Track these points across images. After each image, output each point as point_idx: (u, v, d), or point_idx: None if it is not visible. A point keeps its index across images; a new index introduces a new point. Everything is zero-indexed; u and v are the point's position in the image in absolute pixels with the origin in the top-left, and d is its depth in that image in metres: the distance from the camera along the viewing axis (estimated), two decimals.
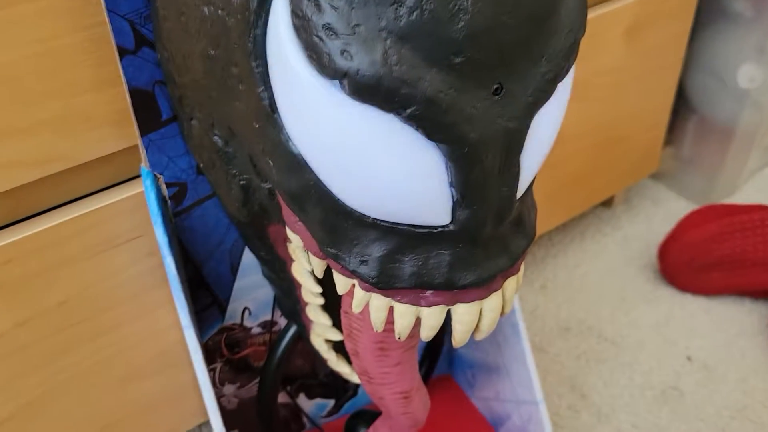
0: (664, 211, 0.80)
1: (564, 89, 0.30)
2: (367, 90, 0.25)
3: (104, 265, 0.42)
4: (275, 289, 0.45)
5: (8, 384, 0.41)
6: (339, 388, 0.57)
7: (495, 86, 0.27)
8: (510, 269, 0.33)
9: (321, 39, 0.25)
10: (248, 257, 0.45)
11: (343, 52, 0.25)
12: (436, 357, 0.58)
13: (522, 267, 0.35)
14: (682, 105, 0.78)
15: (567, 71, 0.29)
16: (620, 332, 0.66)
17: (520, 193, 0.31)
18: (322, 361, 0.54)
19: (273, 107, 0.28)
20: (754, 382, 0.61)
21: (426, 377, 0.59)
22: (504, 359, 0.52)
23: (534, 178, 0.34)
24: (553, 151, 0.63)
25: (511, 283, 0.34)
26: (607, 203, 0.81)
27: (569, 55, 0.29)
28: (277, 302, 0.48)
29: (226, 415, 0.52)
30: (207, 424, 0.60)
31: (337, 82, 0.25)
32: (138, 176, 0.41)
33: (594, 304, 0.69)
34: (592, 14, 0.58)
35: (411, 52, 0.25)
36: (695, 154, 0.80)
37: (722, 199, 0.81)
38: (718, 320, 0.67)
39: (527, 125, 0.29)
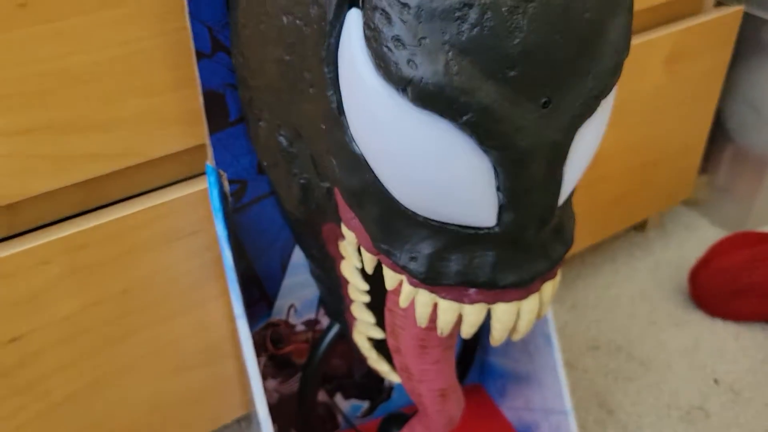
0: (697, 238, 0.81)
1: (606, 106, 0.33)
2: (429, 97, 0.28)
3: (166, 257, 0.45)
4: (321, 287, 0.48)
5: (73, 363, 0.44)
6: (374, 390, 0.59)
7: (544, 100, 0.29)
8: (548, 273, 0.35)
9: (390, 49, 0.27)
10: (297, 256, 0.47)
11: (409, 62, 0.27)
12: (469, 364, 0.60)
13: (559, 273, 0.37)
14: (718, 134, 0.79)
15: (610, 89, 0.31)
16: (648, 353, 0.68)
17: (561, 201, 0.33)
18: (360, 362, 0.56)
19: (340, 110, 0.30)
20: None
21: None
22: (535, 368, 0.54)
23: (574, 189, 0.36)
24: (589, 171, 0.65)
25: (548, 287, 0.36)
26: (641, 228, 0.83)
27: (614, 74, 0.31)
28: (322, 301, 0.50)
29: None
30: (246, 417, 0.63)
31: (401, 89, 0.28)
32: (202, 174, 0.45)
33: (623, 325, 0.71)
34: (634, 41, 0.60)
35: (470, 65, 0.27)
36: (730, 183, 0.81)
37: (755, 228, 0.82)
38: (746, 346, 0.68)
39: (571, 138, 0.31)
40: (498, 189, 0.31)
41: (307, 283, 0.49)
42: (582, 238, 0.71)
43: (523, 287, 0.34)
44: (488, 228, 0.32)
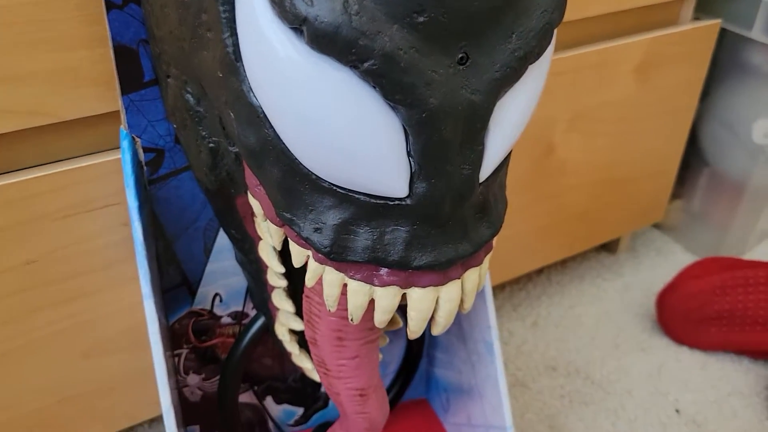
0: (669, 264, 0.78)
1: (537, 75, 0.30)
2: (325, 38, 0.25)
3: (77, 229, 0.42)
4: (246, 275, 0.45)
5: None
6: (308, 396, 0.55)
7: (460, 55, 0.27)
8: (471, 258, 0.32)
9: None
10: (223, 241, 0.44)
11: None
12: (411, 376, 0.56)
13: (486, 261, 0.34)
14: (693, 157, 0.77)
15: (539, 53, 0.29)
16: (609, 377, 0.64)
17: (484, 176, 0.30)
18: (292, 364, 0.53)
19: (237, 55, 0.28)
20: None
21: (398, 397, 0.57)
22: (477, 380, 0.50)
23: (503, 168, 0.33)
24: (554, 181, 0.62)
25: (471, 275, 0.33)
26: (612, 250, 0.80)
27: (543, 36, 0.28)
28: (249, 292, 0.47)
29: (188, 407, 0.51)
30: None
31: (297, 29, 0.25)
32: (119, 147, 0.42)
33: (585, 347, 0.67)
34: (601, 46, 0.58)
35: (373, 4, 0.25)
36: (705, 209, 0.78)
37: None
38: (712, 376, 0.65)
39: (492, 102, 0.28)
40: (409, 153, 0.28)
41: (234, 271, 0.46)
42: (548, 253, 0.68)
43: (439, 270, 0.31)
44: (400, 199, 0.29)
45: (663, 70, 0.63)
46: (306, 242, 0.31)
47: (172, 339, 0.47)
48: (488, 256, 0.34)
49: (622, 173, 0.68)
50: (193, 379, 0.50)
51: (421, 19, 0.25)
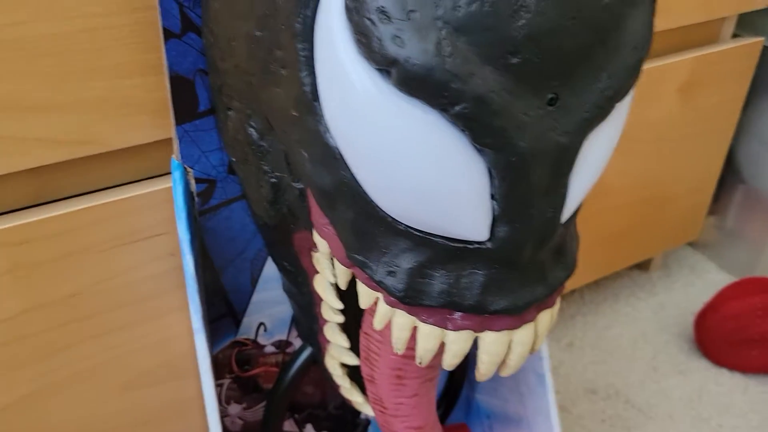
0: (703, 282, 0.77)
1: (621, 111, 0.29)
2: (416, 81, 0.23)
3: (122, 260, 0.41)
4: (294, 305, 0.43)
5: (7, 373, 0.40)
6: (348, 423, 0.54)
7: (550, 96, 0.25)
8: (546, 300, 0.31)
9: (373, 22, 0.23)
10: (270, 270, 0.43)
11: (394, 38, 0.23)
12: (453, 401, 0.55)
13: (558, 302, 0.33)
14: (729, 174, 0.75)
15: (627, 91, 0.27)
16: (649, 401, 0.63)
17: (565, 217, 0.29)
18: (334, 391, 0.51)
19: (314, 95, 0.26)
20: None
21: (441, 422, 0.56)
22: (526, 411, 0.49)
23: (579, 207, 0.32)
24: (592, 201, 0.61)
25: (544, 317, 0.32)
26: (644, 267, 0.78)
27: (632, 74, 0.27)
28: (295, 321, 0.46)
29: None
30: None
31: (384, 70, 0.24)
32: (169, 173, 0.40)
33: (623, 369, 0.66)
34: (647, 65, 0.57)
35: (466, 46, 0.23)
36: (739, 227, 0.77)
37: (766, 275, 0.77)
38: (755, 400, 0.63)
39: (580, 143, 0.27)
40: (493, 197, 0.27)
41: (280, 300, 0.45)
42: (582, 273, 0.67)
43: (515, 314, 0.30)
44: (479, 243, 0.28)
45: (706, 89, 0.62)
46: (378, 286, 0.30)
47: (215, 369, 0.46)
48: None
49: (660, 192, 0.66)
50: (234, 408, 0.49)
51: (514, 60, 0.24)
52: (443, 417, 0.55)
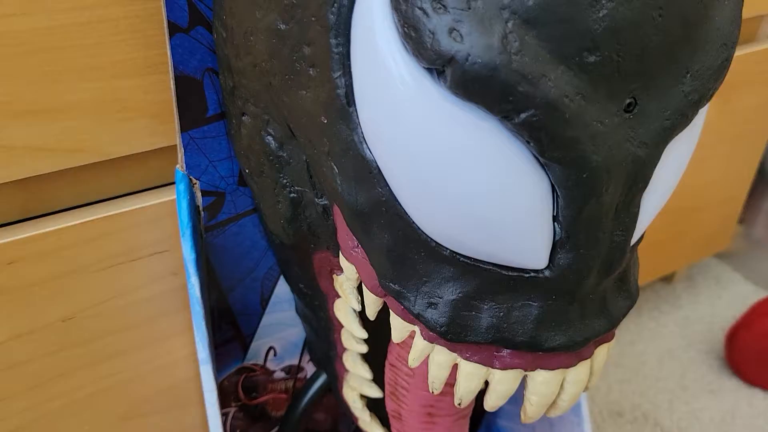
0: (729, 294, 0.73)
1: (700, 119, 0.25)
2: (477, 83, 0.20)
3: (119, 280, 0.37)
4: (309, 329, 0.39)
5: None
6: None
7: (628, 100, 0.22)
8: (606, 335, 0.27)
9: (425, 12, 0.19)
10: (281, 289, 0.39)
11: (451, 31, 0.19)
12: (474, 428, 0.51)
13: (615, 335, 0.29)
14: (758, 181, 0.72)
15: (712, 95, 0.24)
16: (679, 424, 0.59)
17: (634, 240, 0.25)
18: (349, 420, 0.47)
19: (349, 99, 0.23)
20: None
21: None
22: None
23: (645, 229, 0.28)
24: None
25: (602, 352, 0.28)
26: (668, 279, 0.75)
27: (719, 75, 0.23)
28: (308, 346, 0.42)
29: None
30: None
31: (437, 70, 0.20)
32: (171, 184, 0.36)
33: (650, 389, 0.62)
34: None
35: (536, 41, 0.19)
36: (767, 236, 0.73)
37: None
38: None
39: (658, 155, 0.23)
40: (555, 218, 0.23)
41: (291, 322, 0.41)
42: None
43: (573, 351, 0.26)
44: (536, 271, 0.24)
45: (741, 91, 0.58)
46: (416, 319, 0.26)
47: (220, 397, 0.42)
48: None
49: (691, 202, 0.63)
50: None
51: (592, 58, 0.20)
52: None
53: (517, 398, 0.49)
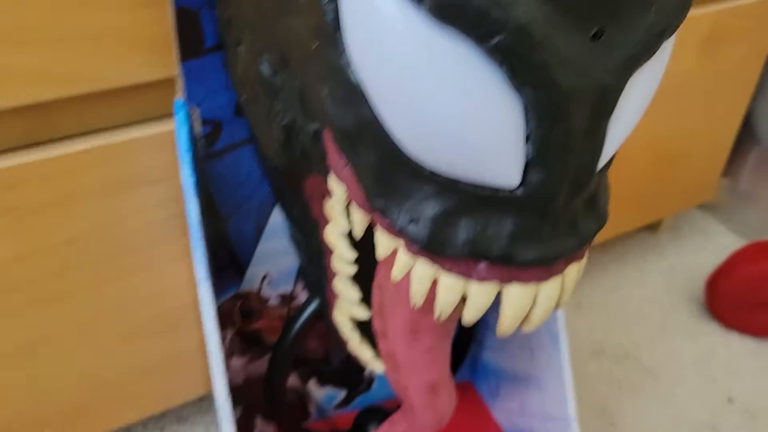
0: (713, 245, 0.75)
1: (665, 53, 0.27)
2: (453, 7, 0.21)
3: (121, 206, 0.39)
4: (302, 256, 0.42)
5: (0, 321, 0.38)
6: (353, 379, 0.53)
7: (595, 30, 0.23)
8: (576, 253, 0.29)
9: None
10: (276, 218, 0.41)
11: None
12: (460, 360, 0.54)
13: (586, 255, 0.31)
14: (744, 135, 0.73)
15: (675, 28, 0.25)
16: (658, 362, 0.62)
17: (601, 163, 0.27)
18: (339, 346, 0.50)
19: (336, 24, 0.24)
20: None
21: None
22: (536, 369, 0.48)
23: (614, 155, 0.30)
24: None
25: (572, 270, 0.30)
26: (653, 229, 0.77)
27: (683, 9, 0.25)
28: (302, 273, 0.44)
29: (231, 390, 0.48)
30: (207, 398, 0.57)
31: None
32: (171, 115, 0.38)
33: (632, 330, 0.65)
34: None
35: None
36: (752, 189, 0.75)
37: None
38: (765, 364, 0.62)
39: (624, 82, 0.25)
40: (527, 139, 0.25)
41: (286, 251, 0.43)
42: None
43: (544, 266, 0.28)
44: (510, 189, 0.26)
45: (728, 44, 0.59)
46: (399, 233, 0.28)
47: (218, 321, 0.44)
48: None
49: (676, 150, 0.64)
50: (236, 361, 0.47)
51: None
52: None
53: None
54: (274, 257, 0.43)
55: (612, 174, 0.60)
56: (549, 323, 0.45)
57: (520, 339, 0.49)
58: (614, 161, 0.61)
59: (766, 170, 0.73)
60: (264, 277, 0.44)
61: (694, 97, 0.62)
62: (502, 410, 0.54)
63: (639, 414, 0.57)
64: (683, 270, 0.72)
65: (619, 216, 0.66)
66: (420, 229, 0.27)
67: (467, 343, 0.53)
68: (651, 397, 0.58)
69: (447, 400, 0.38)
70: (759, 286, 0.62)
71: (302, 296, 0.46)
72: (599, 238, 0.66)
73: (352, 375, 0.53)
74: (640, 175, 0.64)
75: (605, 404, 0.58)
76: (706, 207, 0.80)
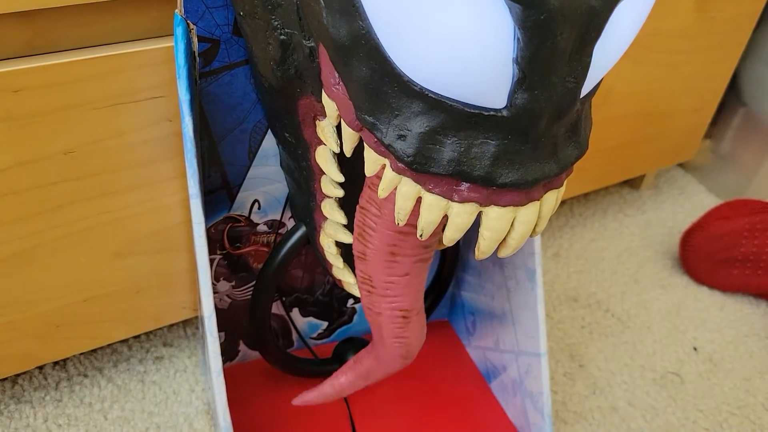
0: (691, 204, 0.77)
1: None
2: None
3: (119, 121, 0.39)
4: (291, 181, 0.43)
5: None
6: (334, 311, 0.55)
7: None
8: (555, 179, 0.31)
9: None
10: (268, 144, 0.42)
11: None
12: (439, 297, 0.55)
13: (564, 184, 0.33)
14: (729, 97, 0.75)
15: None
16: (629, 311, 0.64)
17: (585, 91, 0.28)
18: (323, 277, 0.51)
19: None
20: (759, 383, 0.59)
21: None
22: (512, 306, 0.50)
23: (597, 86, 0.31)
24: (596, 110, 0.60)
25: (550, 198, 0.32)
26: (635, 186, 0.78)
27: None
28: (290, 199, 0.45)
29: (216, 314, 0.50)
30: (192, 323, 0.58)
31: None
32: (169, 35, 0.39)
33: (606, 280, 0.67)
34: None
35: None
36: (734, 151, 0.77)
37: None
38: (730, 317, 0.65)
39: (612, 8, 0.26)
40: (515, 61, 0.26)
41: (276, 177, 0.44)
42: (574, 185, 0.67)
43: (523, 189, 0.30)
44: (495, 110, 0.27)
45: (722, 1, 0.60)
46: (387, 150, 0.29)
47: (208, 244, 0.46)
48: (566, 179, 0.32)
49: (663, 106, 0.66)
50: (223, 286, 0.49)
51: None
52: (427, 313, 0.56)
53: (481, 271, 0.53)
54: (265, 183, 0.44)
55: (598, 127, 0.62)
56: (527, 260, 0.47)
57: (499, 277, 0.51)
58: (600, 115, 0.62)
59: (748, 132, 0.75)
60: (254, 203, 0.45)
61: (687, 53, 0.63)
62: (477, 347, 0.56)
63: (607, 358, 0.59)
64: (660, 225, 0.74)
65: (602, 169, 0.68)
66: (407, 145, 0.28)
67: (448, 282, 0.55)
68: (620, 343, 0.61)
69: (417, 332, 0.40)
70: (730, 243, 0.64)
71: (290, 225, 0.47)
72: (582, 189, 0.68)
73: (334, 307, 0.54)
74: (625, 130, 0.65)
75: (576, 347, 0.60)
76: (688, 167, 0.81)
